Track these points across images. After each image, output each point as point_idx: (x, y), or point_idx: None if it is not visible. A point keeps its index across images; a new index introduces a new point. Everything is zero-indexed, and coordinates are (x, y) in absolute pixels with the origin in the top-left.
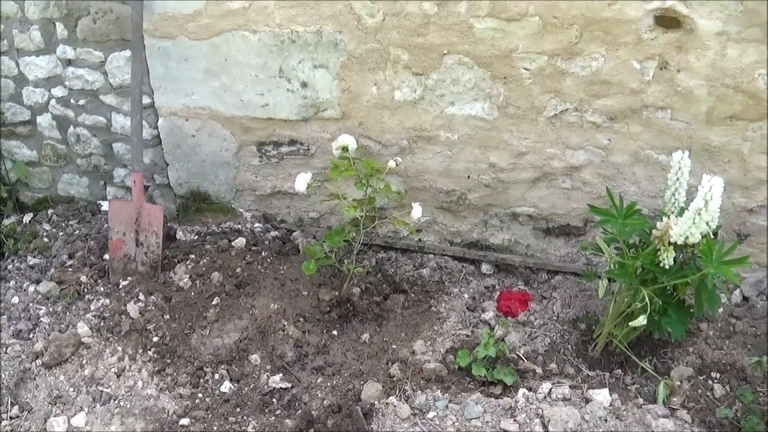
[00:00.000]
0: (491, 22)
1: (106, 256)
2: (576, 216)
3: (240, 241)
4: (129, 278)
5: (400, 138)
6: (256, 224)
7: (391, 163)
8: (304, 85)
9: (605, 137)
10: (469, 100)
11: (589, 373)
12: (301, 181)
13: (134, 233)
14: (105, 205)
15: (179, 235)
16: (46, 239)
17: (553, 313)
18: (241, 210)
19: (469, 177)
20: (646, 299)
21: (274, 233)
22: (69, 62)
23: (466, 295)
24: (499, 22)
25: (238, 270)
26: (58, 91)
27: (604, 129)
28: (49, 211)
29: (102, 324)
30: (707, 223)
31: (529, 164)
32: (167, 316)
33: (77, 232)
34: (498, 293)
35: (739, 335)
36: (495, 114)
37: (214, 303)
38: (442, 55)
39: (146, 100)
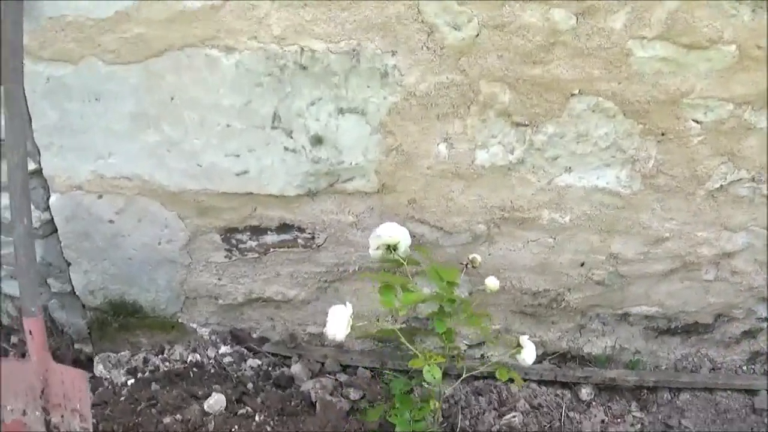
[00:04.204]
0: (662, 48)
1: None
2: (709, 312)
3: (217, 402)
4: None
5: (475, 221)
6: (222, 347)
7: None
8: (318, 140)
9: None
10: (599, 165)
11: None
12: (339, 320)
13: (41, 411)
14: None
15: (99, 370)
16: None
17: None
18: (194, 325)
19: (582, 265)
20: None
21: (254, 362)
22: None
23: None
24: (676, 49)
25: None
26: None
27: None
28: None
29: None
30: None
31: (667, 254)
32: None
33: None
34: None
35: None
36: (636, 186)
37: None
38: (569, 97)
39: (29, 166)
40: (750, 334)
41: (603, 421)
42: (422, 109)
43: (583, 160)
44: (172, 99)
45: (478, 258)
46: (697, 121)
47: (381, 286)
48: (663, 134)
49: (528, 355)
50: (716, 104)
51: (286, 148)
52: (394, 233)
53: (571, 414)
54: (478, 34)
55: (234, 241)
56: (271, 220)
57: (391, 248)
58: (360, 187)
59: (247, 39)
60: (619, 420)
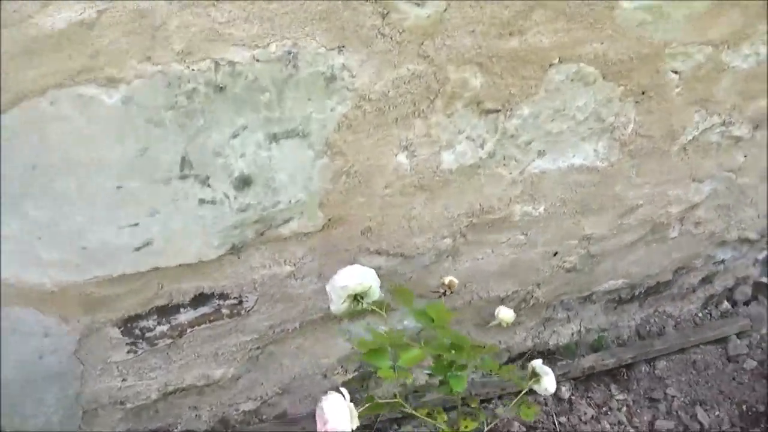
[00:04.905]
0: None
1: None
2: (671, 269)
3: None
4: None
5: (439, 236)
6: None
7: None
8: (245, 182)
9: (742, 154)
10: (575, 141)
11: None
12: (339, 414)
13: None
14: None
15: None
16: None
17: (699, 425)
18: None
19: (556, 254)
20: None
21: None
22: None
23: None
24: None
25: None
26: None
27: (743, 143)
28: None
29: None
30: None
31: (638, 221)
32: None
33: None
34: None
35: None
36: (614, 156)
37: None
38: (546, 69)
39: None
40: (707, 280)
41: (594, 417)
42: (378, 115)
43: (558, 139)
44: (34, 168)
45: (455, 281)
46: (675, 72)
47: (365, 353)
48: (643, 93)
49: (549, 383)
50: (696, 49)
51: (201, 201)
52: (363, 278)
53: (562, 419)
54: (446, 8)
55: (138, 332)
56: (185, 294)
57: (359, 297)
58: (299, 228)
59: (138, 62)
60: (605, 409)
